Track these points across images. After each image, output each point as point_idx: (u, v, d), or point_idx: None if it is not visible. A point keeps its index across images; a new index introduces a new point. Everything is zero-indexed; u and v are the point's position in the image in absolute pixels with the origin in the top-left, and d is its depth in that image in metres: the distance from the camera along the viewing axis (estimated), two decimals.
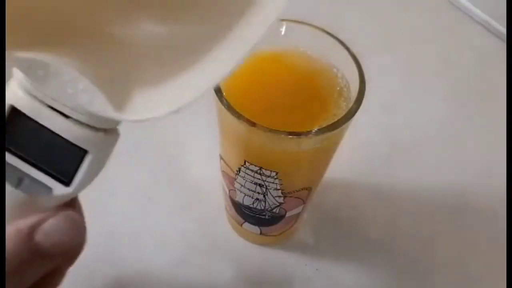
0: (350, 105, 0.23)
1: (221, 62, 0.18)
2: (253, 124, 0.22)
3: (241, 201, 0.29)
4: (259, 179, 0.26)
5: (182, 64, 0.18)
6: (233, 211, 0.32)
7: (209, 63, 0.18)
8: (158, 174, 0.38)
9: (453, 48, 0.49)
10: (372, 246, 0.35)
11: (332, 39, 0.26)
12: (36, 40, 0.17)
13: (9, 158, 0.18)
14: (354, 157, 0.39)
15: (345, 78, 0.26)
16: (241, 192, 0.28)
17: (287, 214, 0.30)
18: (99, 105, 0.17)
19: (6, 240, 0.17)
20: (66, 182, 0.19)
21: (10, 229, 0.18)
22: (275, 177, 0.25)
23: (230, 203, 0.32)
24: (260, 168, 0.25)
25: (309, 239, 0.36)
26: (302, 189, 0.28)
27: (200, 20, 0.19)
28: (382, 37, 0.49)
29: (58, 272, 0.21)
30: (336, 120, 0.23)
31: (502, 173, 0.39)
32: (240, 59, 0.17)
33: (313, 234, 0.36)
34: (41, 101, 0.18)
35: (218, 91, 0.23)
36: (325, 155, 0.26)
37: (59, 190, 0.19)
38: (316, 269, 0.34)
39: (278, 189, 0.26)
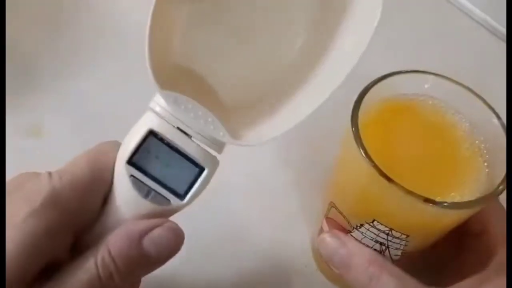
0: (491, 170, 0.22)
1: (311, 96, 0.24)
2: (396, 183, 0.20)
3: None
4: (384, 238, 0.24)
5: (277, 101, 0.25)
6: None
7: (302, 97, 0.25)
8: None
9: (452, 48, 0.49)
10: None
11: (475, 99, 0.24)
12: (184, 87, 0.23)
13: (141, 176, 0.22)
14: None
15: (485, 140, 0.24)
16: None
17: None
18: (221, 133, 0.23)
19: (115, 239, 0.21)
20: (182, 196, 0.23)
21: (121, 230, 0.21)
22: (405, 239, 0.23)
23: None
24: (391, 230, 0.23)
25: None
26: (424, 248, 0.26)
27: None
28: (380, 37, 0.49)
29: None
30: (480, 196, 0.21)
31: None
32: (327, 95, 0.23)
33: None
34: (174, 127, 0.23)
35: (358, 138, 0.22)
36: (463, 218, 0.24)
37: (175, 202, 0.23)
38: None
39: (400, 249, 0.25)
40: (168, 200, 0.23)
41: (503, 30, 0.48)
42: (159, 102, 0.23)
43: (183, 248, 0.33)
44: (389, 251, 0.25)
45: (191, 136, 0.23)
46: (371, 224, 0.23)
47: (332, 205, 0.27)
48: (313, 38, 0.26)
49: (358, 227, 0.24)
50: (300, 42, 0.26)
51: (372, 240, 0.24)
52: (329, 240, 0.24)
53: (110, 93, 0.42)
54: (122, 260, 0.20)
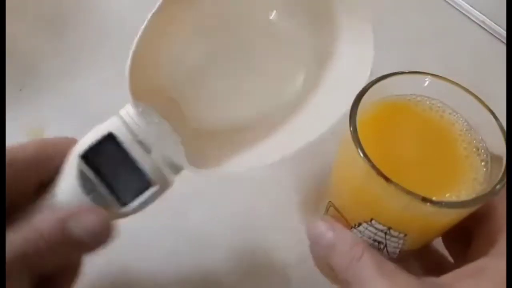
0: (489, 170, 0.22)
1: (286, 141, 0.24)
2: (394, 183, 0.20)
3: None
4: (382, 237, 0.24)
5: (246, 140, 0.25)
6: None
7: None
8: None
9: (451, 49, 0.49)
10: None
11: (472, 99, 0.24)
12: (156, 102, 0.24)
13: (90, 173, 0.23)
14: None
15: (483, 140, 0.24)
16: None
17: None
18: (180, 157, 0.23)
19: (41, 218, 0.21)
20: (123, 204, 0.23)
21: (48, 210, 0.22)
22: (403, 238, 0.23)
23: None
24: (389, 229, 0.23)
25: None
26: (421, 246, 0.26)
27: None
28: (379, 37, 0.49)
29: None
30: (477, 196, 0.21)
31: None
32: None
33: None
34: (134, 136, 0.23)
35: (356, 138, 0.22)
36: (461, 217, 0.24)
37: (115, 207, 0.23)
38: None
39: (398, 248, 0.25)
40: (108, 204, 0.23)
41: (502, 31, 0.49)
42: (128, 110, 0.24)
43: (185, 243, 0.33)
44: (387, 249, 0.25)
45: (150, 152, 0.23)
46: (369, 223, 0.24)
47: (330, 204, 0.27)
48: (297, 82, 0.27)
49: (356, 226, 0.25)
50: (282, 83, 0.28)
51: (370, 238, 0.24)
52: (318, 224, 0.24)
53: (111, 93, 0.42)
54: (46, 238, 0.21)
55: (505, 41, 0.48)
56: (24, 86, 0.42)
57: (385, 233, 0.24)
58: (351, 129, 0.22)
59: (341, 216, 0.26)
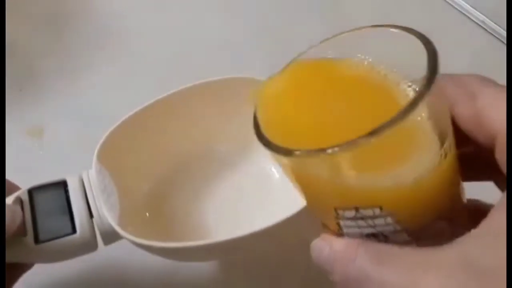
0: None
1: None
2: (320, 151, 0.16)
3: None
4: (365, 226, 0.19)
5: None
6: None
7: None
8: None
9: (451, 49, 0.49)
10: None
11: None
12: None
13: (26, 203, 0.24)
14: None
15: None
16: None
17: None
18: (112, 216, 0.24)
19: None
20: (37, 240, 0.23)
21: None
22: (382, 215, 0.18)
23: None
24: (357, 209, 0.18)
25: None
26: (435, 219, 0.20)
27: None
28: None
29: None
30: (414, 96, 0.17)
31: None
32: None
33: None
34: (83, 193, 0.25)
35: (263, 139, 0.18)
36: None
37: (29, 240, 0.23)
38: None
39: (401, 231, 0.19)
40: (25, 236, 0.24)
41: (502, 31, 0.49)
42: (90, 173, 0.26)
43: None
44: (388, 239, 0.20)
45: (91, 214, 0.25)
46: (338, 215, 0.19)
47: (318, 221, 0.23)
48: None
49: (339, 230, 0.20)
50: None
51: (362, 236, 0.20)
52: (316, 242, 0.21)
53: (111, 93, 0.42)
54: None
55: (505, 41, 0.48)
56: (24, 86, 0.42)
57: (362, 219, 0.19)
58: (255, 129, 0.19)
59: (326, 227, 0.21)
